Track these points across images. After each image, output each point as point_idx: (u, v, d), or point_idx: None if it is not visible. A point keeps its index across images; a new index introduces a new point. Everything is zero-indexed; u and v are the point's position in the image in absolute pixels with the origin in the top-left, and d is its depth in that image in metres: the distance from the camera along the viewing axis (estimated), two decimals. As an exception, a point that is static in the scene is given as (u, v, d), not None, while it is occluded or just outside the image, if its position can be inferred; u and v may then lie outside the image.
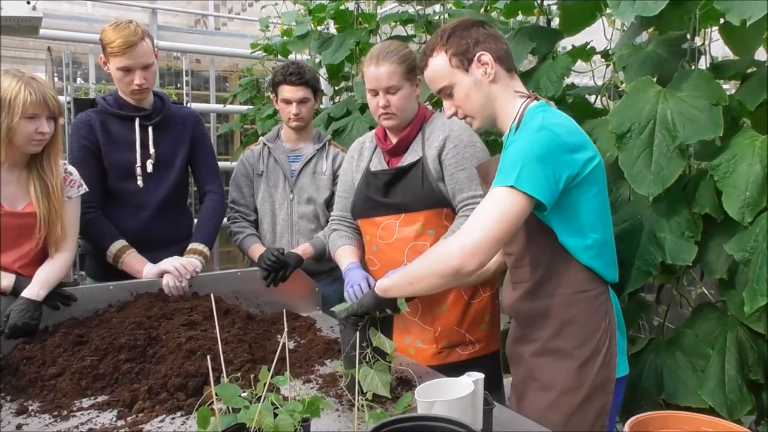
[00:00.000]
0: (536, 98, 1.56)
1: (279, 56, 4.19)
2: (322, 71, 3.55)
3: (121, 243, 2.16)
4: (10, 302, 1.77)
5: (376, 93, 1.94)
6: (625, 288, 1.76)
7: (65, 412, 1.42)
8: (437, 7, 3.09)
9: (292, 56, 3.96)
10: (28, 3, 3.32)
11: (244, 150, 2.67)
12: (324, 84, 3.66)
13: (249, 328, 1.86)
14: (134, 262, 2.14)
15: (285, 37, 3.96)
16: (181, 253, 2.21)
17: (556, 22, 2.49)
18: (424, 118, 2.01)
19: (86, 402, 1.48)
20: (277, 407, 1.07)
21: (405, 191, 1.94)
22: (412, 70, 1.94)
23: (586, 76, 2.50)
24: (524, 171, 1.35)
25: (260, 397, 1.06)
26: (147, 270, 2.11)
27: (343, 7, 3.36)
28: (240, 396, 1.08)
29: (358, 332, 1.32)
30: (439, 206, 1.93)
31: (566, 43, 2.51)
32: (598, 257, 1.49)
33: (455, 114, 1.59)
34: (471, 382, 1.22)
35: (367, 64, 1.94)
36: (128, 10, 5.84)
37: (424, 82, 1.99)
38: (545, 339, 1.53)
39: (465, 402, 1.17)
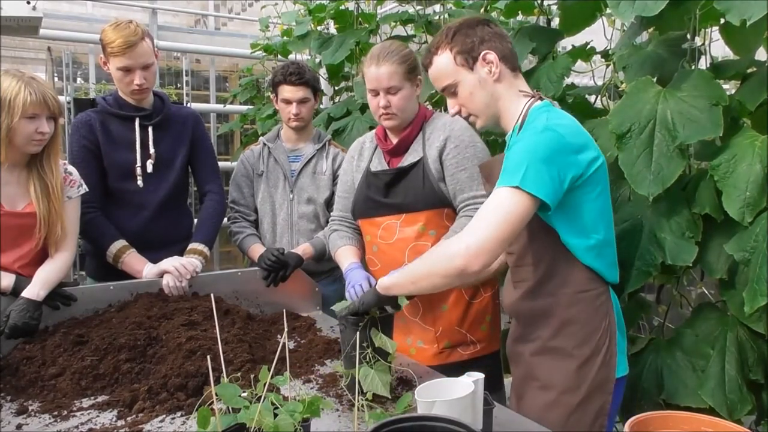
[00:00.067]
0: (540, 98, 1.55)
1: (279, 56, 4.19)
2: (322, 71, 3.54)
3: (121, 243, 2.16)
4: (10, 302, 1.77)
5: (376, 93, 1.93)
6: (625, 288, 1.76)
7: (65, 412, 1.42)
8: (437, 7, 3.08)
9: (292, 56, 3.96)
10: (28, 3, 3.32)
11: (244, 150, 2.67)
12: (324, 84, 3.66)
13: (249, 328, 1.86)
14: (134, 262, 2.14)
15: (285, 37, 3.96)
16: (181, 253, 2.21)
17: (556, 22, 2.49)
18: (424, 118, 2.01)
19: (86, 402, 1.48)
20: (277, 407, 1.07)
21: (406, 191, 1.94)
22: (413, 70, 1.94)
23: (586, 76, 2.50)
24: (529, 171, 1.35)
25: (260, 397, 1.06)
26: (147, 270, 2.11)
27: (343, 7, 3.35)
28: (240, 396, 1.08)
29: (358, 332, 1.32)
30: (440, 206, 1.92)
31: (566, 43, 2.51)
32: (600, 257, 1.49)
33: (459, 112, 1.59)
34: (471, 382, 1.22)
35: (368, 64, 1.93)
36: (128, 10, 5.84)
37: (424, 82, 2.00)
38: (545, 338, 1.53)
39: (465, 402, 1.17)
